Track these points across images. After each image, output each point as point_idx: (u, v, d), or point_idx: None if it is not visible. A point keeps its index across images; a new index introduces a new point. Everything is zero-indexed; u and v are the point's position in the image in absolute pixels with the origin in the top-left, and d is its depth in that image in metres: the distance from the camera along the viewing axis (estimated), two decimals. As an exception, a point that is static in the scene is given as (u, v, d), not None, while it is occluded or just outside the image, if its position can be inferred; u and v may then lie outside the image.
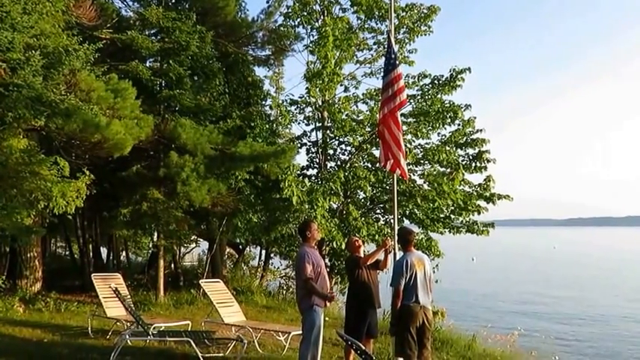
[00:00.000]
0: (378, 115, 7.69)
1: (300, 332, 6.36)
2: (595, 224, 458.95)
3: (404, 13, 13.65)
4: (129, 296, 9.51)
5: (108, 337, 8.72)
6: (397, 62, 7.47)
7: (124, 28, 12.36)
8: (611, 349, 15.36)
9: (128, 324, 8.59)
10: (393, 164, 7.26)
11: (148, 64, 12.94)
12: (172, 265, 17.56)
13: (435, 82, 13.42)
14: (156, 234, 13.56)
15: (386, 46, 9.53)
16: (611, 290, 30.10)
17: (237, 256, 20.32)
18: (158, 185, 12.27)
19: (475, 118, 13.23)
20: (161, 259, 13.29)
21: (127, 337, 7.47)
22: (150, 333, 7.31)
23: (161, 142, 12.42)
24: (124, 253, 22.40)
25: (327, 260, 13.80)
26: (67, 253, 21.54)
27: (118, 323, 9.01)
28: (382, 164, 7.64)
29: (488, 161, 13.01)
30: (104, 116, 9.47)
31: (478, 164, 13.02)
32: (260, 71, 33.05)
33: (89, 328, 9.07)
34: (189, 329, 8.56)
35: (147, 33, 12.91)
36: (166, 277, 14.02)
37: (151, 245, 18.37)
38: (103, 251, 20.15)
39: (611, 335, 17.93)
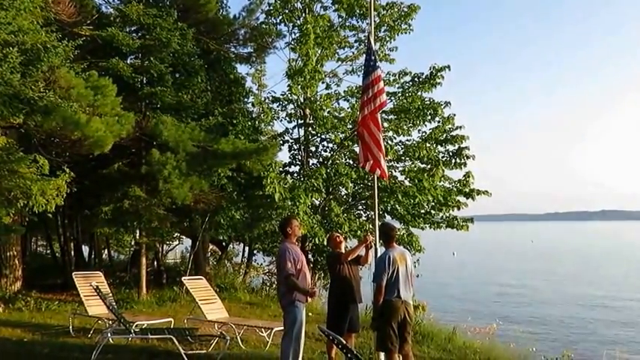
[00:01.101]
0: (358, 117, 7.76)
1: (283, 328, 6.43)
2: (571, 218, 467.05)
3: (384, 12, 13.77)
4: (110, 294, 9.49)
5: (89, 335, 8.70)
6: (377, 64, 7.55)
7: (104, 25, 12.26)
8: (587, 338, 15.75)
9: (110, 322, 8.57)
10: (372, 164, 7.34)
11: (128, 61, 12.85)
12: (155, 263, 17.50)
13: (415, 79, 13.57)
14: (138, 232, 13.51)
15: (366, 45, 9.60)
16: (585, 282, 30.80)
17: (220, 253, 20.32)
18: (140, 183, 12.22)
19: (454, 115, 13.43)
20: (143, 256, 13.25)
21: (109, 335, 7.47)
22: (132, 331, 7.30)
23: (142, 140, 12.37)
24: (105, 251, 22.23)
25: (309, 256, 13.89)
26: (48, 251, 21.35)
27: (99, 321, 8.98)
28: (362, 164, 7.73)
29: (468, 157, 13.20)
30: (84, 113, 9.40)
31: (458, 160, 13.21)
32: (242, 69, 32.98)
33: (70, 327, 9.04)
34: (171, 326, 8.56)
35: (127, 30, 12.83)
36: (149, 275, 13.99)
37: (133, 243, 18.28)
38: (85, 249, 19.98)
39: (586, 325, 18.39)
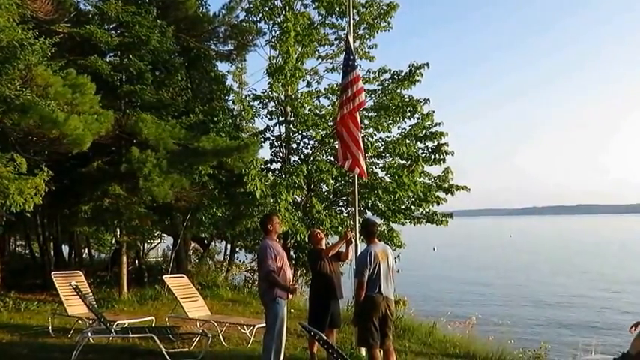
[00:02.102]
0: (337, 116, 7.83)
1: (264, 324, 6.48)
2: (548, 213, 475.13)
3: (364, 10, 13.85)
4: (90, 294, 9.43)
5: (69, 335, 8.65)
6: (356, 64, 7.62)
7: (82, 23, 12.16)
8: (563, 330, 16.10)
9: (90, 321, 8.52)
10: (352, 163, 7.41)
11: (107, 59, 12.77)
12: (136, 262, 17.41)
13: (395, 77, 13.68)
14: (118, 230, 13.43)
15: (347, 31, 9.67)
16: (562, 275, 31.45)
17: (202, 250, 20.28)
18: (120, 181, 12.15)
19: (434, 111, 13.57)
20: (124, 255, 13.19)
21: (89, 334, 7.45)
22: (112, 330, 7.30)
23: (122, 138, 12.31)
24: (86, 251, 22.04)
25: (291, 253, 13.95)
26: (27, 251, 21.08)
27: (79, 321, 8.93)
28: (341, 163, 7.80)
29: (447, 154, 13.36)
30: (62, 112, 9.31)
31: (437, 157, 13.36)
32: (222, 66, 32.79)
33: (50, 327, 8.96)
34: (153, 325, 8.56)
35: (106, 27, 12.73)
36: (130, 274, 13.92)
37: (113, 242, 18.15)
38: (65, 249, 19.79)
39: (563, 317, 18.81)
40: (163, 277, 10.26)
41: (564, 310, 20.56)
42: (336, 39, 14.66)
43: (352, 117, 7.42)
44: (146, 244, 20.36)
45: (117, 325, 7.77)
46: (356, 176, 7.75)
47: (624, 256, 43.48)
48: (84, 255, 21.36)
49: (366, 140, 13.30)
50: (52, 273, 9.91)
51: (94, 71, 11.44)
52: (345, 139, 7.44)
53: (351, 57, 7.56)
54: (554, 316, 19.02)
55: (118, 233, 13.55)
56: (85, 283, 9.67)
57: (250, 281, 16.23)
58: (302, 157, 14.38)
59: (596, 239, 72.18)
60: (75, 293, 8.46)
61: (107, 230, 16.06)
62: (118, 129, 11.80)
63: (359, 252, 6.86)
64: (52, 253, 16.89)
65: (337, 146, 7.93)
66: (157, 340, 7.01)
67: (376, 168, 13.82)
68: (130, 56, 12.30)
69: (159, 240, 21.05)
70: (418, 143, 13.67)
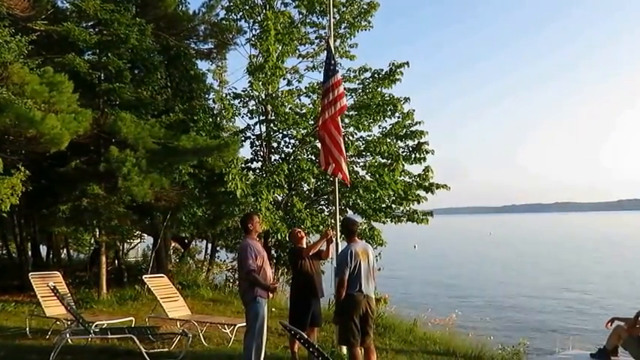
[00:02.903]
0: (319, 120, 7.85)
1: (246, 324, 6.47)
2: (527, 211, 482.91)
3: (344, 9, 13.88)
4: (69, 294, 9.32)
5: (47, 336, 8.53)
6: (337, 68, 7.65)
7: (59, 20, 12.01)
8: (542, 326, 16.35)
9: (68, 323, 8.42)
10: (334, 168, 7.45)
11: (85, 57, 12.61)
12: (116, 262, 17.24)
13: (375, 75, 13.75)
14: (97, 230, 13.29)
15: (327, 35, 9.70)
16: (541, 272, 31.97)
17: (182, 250, 20.15)
18: (99, 180, 12.02)
19: (414, 110, 13.67)
20: (103, 255, 13.06)
21: (67, 335, 7.37)
22: (91, 331, 7.22)
23: (101, 137, 12.17)
24: (64, 251, 21.74)
25: (272, 252, 13.95)
26: (4, 252, 20.73)
27: (57, 322, 8.82)
28: (323, 168, 7.82)
29: (427, 152, 13.45)
30: (39, 110, 9.21)
31: (417, 155, 13.45)
32: (203, 65, 32.64)
33: (27, 329, 8.84)
34: (132, 325, 8.49)
35: (84, 25, 12.60)
36: (109, 274, 13.77)
37: (92, 242, 17.93)
38: (43, 249, 19.51)
39: (542, 313, 19.12)
40: (143, 277, 10.17)
41: (543, 306, 20.91)
42: (316, 37, 14.69)
43: (334, 122, 7.46)
44: (126, 244, 20.13)
45: (96, 325, 7.69)
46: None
47: (600, 253, 44.37)
48: (62, 255, 21.05)
49: (346, 139, 13.33)
50: (30, 274, 9.76)
51: (71, 69, 11.30)
52: (327, 143, 7.47)
53: (332, 62, 7.59)
54: (533, 313, 19.32)
55: (97, 233, 13.40)
56: (63, 283, 9.54)
57: (231, 281, 16.18)
58: (283, 155, 14.38)
59: (572, 236, 73.45)
60: (53, 294, 8.35)
61: (86, 230, 15.86)
62: (97, 128, 11.67)
63: (339, 251, 6.87)
64: (29, 253, 16.64)
65: (320, 151, 7.94)
66: (137, 341, 6.96)
67: (357, 167, 13.87)
68: (109, 54, 12.17)
69: (139, 240, 20.85)
70: (399, 142, 13.77)
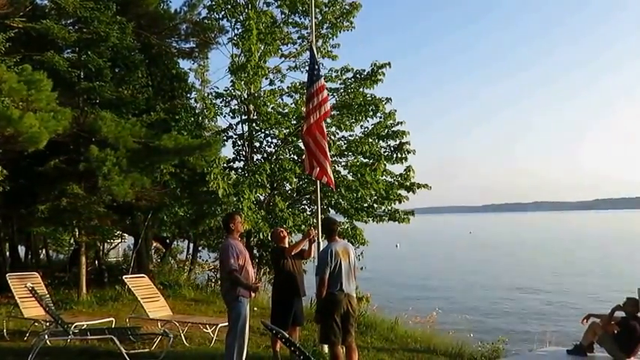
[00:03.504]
0: (303, 126, 7.89)
1: (227, 324, 6.47)
2: (507, 210, 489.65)
3: (327, 9, 13.91)
4: (48, 295, 9.21)
5: (25, 338, 8.44)
6: (320, 73, 7.71)
7: (38, 17, 11.85)
8: (520, 324, 16.61)
9: (47, 324, 8.35)
10: (319, 172, 7.50)
11: (65, 55, 12.48)
12: (96, 262, 17.08)
13: (357, 76, 13.80)
14: (77, 230, 13.16)
15: (309, 41, 9.74)
16: (520, 271, 32.45)
17: (164, 250, 20.03)
18: (78, 180, 11.91)
19: (396, 111, 13.74)
20: (83, 255, 12.92)
21: (46, 337, 7.28)
22: (70, 332, 7.16)
23: (81, 136, 12.04)
24: (43, 251, 21.47)
25: (254, 251, 13.93)
26: (-19, 253, 20.40)
27: (36, 324, 8.73)
28: (308, 172, 7.87)
29: (409, 152, 13.55)
30: (17, 109, 9.09)
31: (399, 155, 13.53)
32: (184, 64, 32.46)
33: (4, 330, 8.75)
34: (112, 326, 8.43)
35: (63, 22, 12.46)
36: (89, 274, 13.65)
37: (72, 242, 17.74)
38: (21, 250, 19.26)
39: (520, 311, 19.42)
40: (124, 277, 10.10)
41: (521, 303, 21.26)
42: (299, 37, 14.68)
43: (318, 126, 7.52)
44: (106, 244, 19.99)
45: (75, 326, 7.62)
46: (319, 174, 7.80)
47: (576, 251, 45.14)
48: (41, 256, 20.81)
49: (329, 139, 13.36)
50: (7, 275, 9.64)
51: (50, 67, 11.15)
52: (312, 148, 7.52)
53: (316, 67, 7.64)
54: (512, 310, 19.63)
55: (77, 233, 13.27)
56: (41, 284, 9.44)
57: (213, 280, 16.13)
58: (265, 155, 14.36)
59: (551, 235, 74.57)
60: (31, 295, 8.26)
61: (65, 230, 15.70)
62: (77, 127, 11.55)
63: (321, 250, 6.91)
64: (7, 254, 16.42)
65: (304, 154, 7.98)
66: (117, 342, 6.92)
67: (339, 166, 13.90)
68: (89, 52, 12.05)
69: (119, 240, 20.69)
70: (380, 142, 13.83)
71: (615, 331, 6.72)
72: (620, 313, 6.82)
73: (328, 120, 13.42)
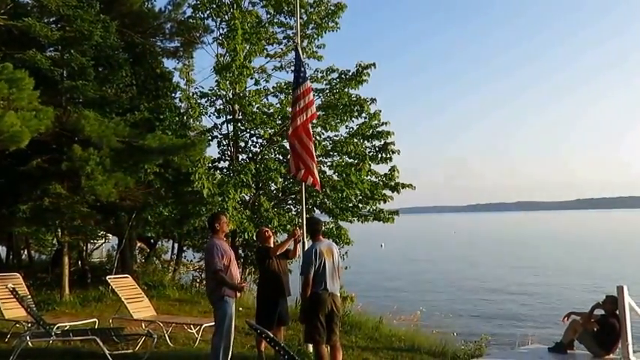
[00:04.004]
0: (289, 128, 7.91)
1: (212, 324, 6.46)
2: (490, 209, 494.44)
3: (312, 9, 13.93)
4: (29, 296, 9.11)
5: (6, 339, 8.32)
6: (307, 76, 7.73)
7: (20, 15, 11.70)
8: (504, 322, 16.80)
9: (29, 325, 8.25)
10: (304, 173, 7.53)
11: (47, 54, 12.36)
12: (79, 262, 16.92)
13: (342, 76, 13.84)
14: (60, 230, 13.03)
15: (295, 41, 9.76)
16: (503, 270, 32.80)
17: (148, 250, 19.91)
18: (61, 179, 11.80)
19: (380, 111, 13.81)
20: (66, 256, 12.79)
21: (27, 338, 7.19)
22: (52, 333, 7.09)
23: (63, 135, 11.91)
24: (25, 252, 21.21)
25: (239, 251, 13.90)
26: (-38, 253, 20.10)
27: (17, 325, 8.62)
28: (293, 173, 7.89)
29: (393, 152, 13.62)
30: (-2, 108, 8.97)
31: (384, 155, 13.60)
32: (169, 63, 32.30)
33: (-14, 332, 8.64)
34: (96, 327, 8.37)
35: (46, 20, 12.32)
36: (72, 275, 13.53)
37: (55, 242, 17.55)
38: (3, 250, 19.02)
39: (503, 309, 19.64)
40: (107, 277, 10.03)
41: (503, 302, 21.50)
42: (284, 37, 14.70)
43: (305, 129, 7.54)
44: (90, 245, 19.80)
45: (57, 327, 7.55)
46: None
47: (558, 250, 45.73)
48: (23, 256, 20.56)
49: (314, 139, 13.38)
50: (-12, 275, 9.52)
51: (32, 66, 11.02)
52: (298, 150, 7.55)
53: (302, 69, 7.66)
54: (495, 309, 19.84)
55: (60, 233, 13.13)
56: (23, 285, 9.33)
57: (198, 280, 16.08)
58: (250, 155, 14.35)
59: (533, 234, 75.42)
60: (12, 296, 8.16)
61: (48, 230, 15.54)
62: (59, 126, 11.43)
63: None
64: (-12, 255, 16.17)
65: (289, 157, 8.00)
66: (100, 343, 6.86)
67: (324, 166, 13.93)
68: (72, 51, 11.95)
69: (103, 240, 20.52)
70: (365, 142, 13.89)
71: (595, 329, 6.83)
72: (599, 311, 6.93)
73: (314, 120, 13.46)
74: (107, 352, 6.82)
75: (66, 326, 8.05)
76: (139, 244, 19.31)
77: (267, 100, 14.51)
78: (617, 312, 6.58)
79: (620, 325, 6.49)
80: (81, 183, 11.25)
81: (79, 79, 12.00)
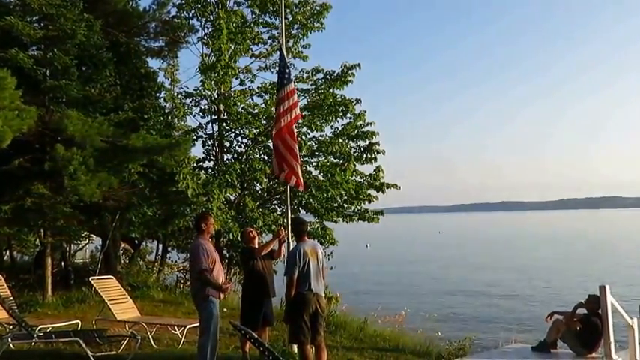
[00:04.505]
0: (273, 129, 7.92)
1: (196, 325, 6.43)
2: (475, 210, 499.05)
3: (297, 9, 13.94)
4: (11, 297, 9.01)
5: (-12, 341, 8.23)
6: (291, 77, 7.74)
7: (1, 13, 11.56)
8: (487, 322, 16.94)
9: (10, 327, 8.15)
10: (287, 174, 7.54)
11: (30, 53, 12.21)
12: (62, 263, 16.74)
13: (328, 76, 13.87)
14: (42, 231, 12.89)
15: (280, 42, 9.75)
16: (487, 270, 33.08)
17: (132, 251, 19.76)
18: (44, 180, 11.66)
19: (365, 111, 13.86)
20: (48, 257, 12.66)
21: (9, 340, 7.12)
22: (35, 335, 7.02)
23: (46, 135, 11.80)
24: (7, 253, 20.94)
25: (224, 252, 13.86)
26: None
27: (-1, 327, 8.53)
28: (276, 174, 7.89)
29: (378, 153, 13.67)
30: (-21, 107, 8.86)
31: (369, 155, 13.65)
32: (154, 63, 32.05)
33: (-34, 334, 8.50)
34: (78, 328, 8.30)
35: (28, 19, 12.17)
36: (55, 276, 13.40)
37: (37, 243, 17.35)
38: (-17, 251, 18.73)
39: (487, 309, 19.82)
40: (90, 278, 9.95)
41: (487, 302, 21.71)
42: (269, 38, 14.69)
43: (289, 130, 7.55)
44: (73, 245, 19.58)
45: (40, 329, 7.50)
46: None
47: (541, 250, 46.22)
48: (5, 257, 20.30)
49: (299, 139, 13.40)
50: (-32, 278, 9.39)
51: (15, 65, 10.90)
52: (282, 151, 7.56)
53: (286, 70, 7.67)
54: (479, 309, 20.02)
55: (42, 234, 13.00)
56: (5, 286, 9.24)
57: (183, 281, 16.01)
58: (235, 155, 14.32)
59: (517, 234, 76.15)
60: (-6, 298, 8.06)
61: (30, 231, 15.36)
62: (42, 125, 11.32)
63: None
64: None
65: (272, 158, 8.00)
66: (83, 344, 6.81)
67: (309, 167, 13.95)
68: (55, 50, 11.83)
69: (87, 240, 20.32)
70: (350, 142, 13.93)
71: (578, 328, 6.91)
72: (582, 310, 7.01)
73: (299, 120, 13.46)
74: (90, 353, 6.77)
75: (48, 328, 7.99)
76: (123, 245, 19.16)
77: (252, 100, 14.54)
78: (600, 311, 6.65)
79: (603, 323, 6.56)
80: (64, 183, 11.14)
81: (62, 78, 11.88)
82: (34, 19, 12.41)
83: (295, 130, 7.91)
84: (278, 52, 8.54)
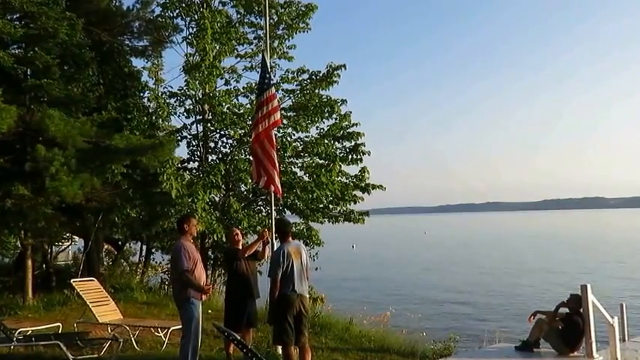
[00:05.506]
0: (252, 134, 7.89)
1: (180, 327, 6.39)
2: (461, 210, 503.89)
3: (282, 10, 13.91)
4: (-10, 300, 8.88)
5: (-33, 345, 8.08)
6: (272, 82, 7.72)
7: (-19, 12, 11.38)
8: (471, 322, 17.05)
9: (-10, 330, 8.02)
10: (267, 181, 7.51)
11: (10, 51, 12.02)
12: (43, 265, 16.52)
13: (313, 77, 13.83)
14: (23, 233, 12.70)
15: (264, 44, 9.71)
16: (472, 269, 33.37)
17: (115, 252, 19.58)
18: (24, 180, 11.47)
19: (351, 112, 13.86)
20: (29, 259, 12.50)
21: (-12, 344, 7.01)
22: (14, 338, 6.91)
23: (27, 135, 11.62)
24: (-13, 255, 20.62)
25: (209, 253, 13.77)
26: None
27: (-22, 330, 8.37)
28: (255, 180, 7.86)
29: (364, 153, 13.67)
30: (-42, 106, 8.71)
31: (354, 156, 13.64)
32: (138, 62, 31.73)
33: (-56, 338, 8.33)
34: (59, 331, 8.19)
35: (9, 17, 11.98)
36: (36, 278, 13.21)
37: (18, 245, 17.12)
38: (-38, 253, 18.45)
39: (471, 308, 19.96)
40: (72, 281, 9.83)
41: (471, 301, 21.85)
42: (254, 38, 14.63)
43: (267, 135, 7.52)
44: (55, 247, 19.36)
45: (19, 332, 7.38)
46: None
47: (524, 250, 46.71)
48: (-15, 260, 20.01)
49: (284, 140, 13.37)
50: (-54, 280, 9.23)
51: (-6, 64, 10.75)
52: (260, 157, 7.54)
53: (267, 75, 7.64)
54: (463, 309, 20.13)
55: (23, 236, 12.81)
56: (-16, 289, 9.09)
57: (166, 283, 15.88)
58: (220, 155, 14.24)
59: (501, 234, 76.85)
60: (-28, 300, 7.94)
61: (10, 233, 15.12)
62: (23, 125, 11.15)
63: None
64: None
65: (252, 164, 7.97)
66: (63, 347, 6.70)
67: (295, 167, 13.91)
68: (36, 49, 11.64)
69: (69, 242, 20.10)
70: (336, 143, 13.91)
71: (560, 327, 6.97)
72: (564, 310, 7.07)
73: (285, 121, 13.43)
74: (71, 357, 6.68)
75: (28, 331, 7.88)
76: (106, 247, 18.98)
77: (238, 100, 14.48)
78: (581, 310, 6.72)
79: (584, 322, 6.63)
80: (45, 184, 10.97)
81: (43, 77, 11.69)
82: (14, 17, 12.22)
83: (276, 134, 7.89)
84: (262, 51, 8.51)
